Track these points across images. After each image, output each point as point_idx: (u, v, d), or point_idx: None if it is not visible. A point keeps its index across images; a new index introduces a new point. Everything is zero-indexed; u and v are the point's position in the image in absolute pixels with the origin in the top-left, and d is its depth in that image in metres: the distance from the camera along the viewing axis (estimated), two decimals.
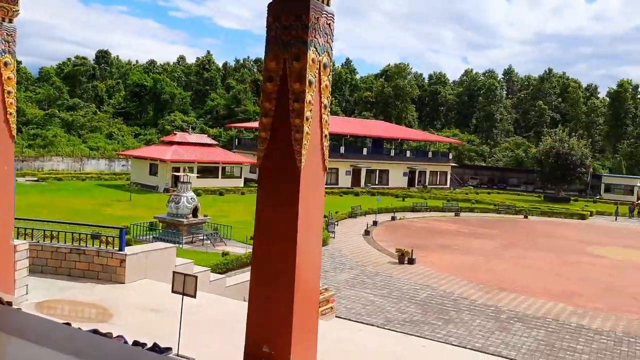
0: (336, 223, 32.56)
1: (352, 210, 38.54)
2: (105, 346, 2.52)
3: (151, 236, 25.23)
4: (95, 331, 4.09)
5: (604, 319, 17.16)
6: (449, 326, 15.71)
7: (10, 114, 7.18)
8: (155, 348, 4.65)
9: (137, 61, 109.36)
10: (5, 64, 6.89)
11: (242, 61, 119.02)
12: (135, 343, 4.56)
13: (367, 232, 30.97)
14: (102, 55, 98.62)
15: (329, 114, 5.47)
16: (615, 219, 48.47)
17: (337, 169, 58.43)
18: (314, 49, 5.05)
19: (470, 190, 67.79)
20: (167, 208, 25.92)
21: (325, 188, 42.97)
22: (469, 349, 12.69)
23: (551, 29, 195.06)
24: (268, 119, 5.20)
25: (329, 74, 5.36)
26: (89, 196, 39.34)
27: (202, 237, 25.75)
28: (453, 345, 12.89)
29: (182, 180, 27.06)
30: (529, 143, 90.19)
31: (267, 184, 5.29)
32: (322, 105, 5.32)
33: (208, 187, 46.63)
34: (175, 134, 53.12)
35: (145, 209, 34.36)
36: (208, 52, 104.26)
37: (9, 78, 7.07)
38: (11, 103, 7.18)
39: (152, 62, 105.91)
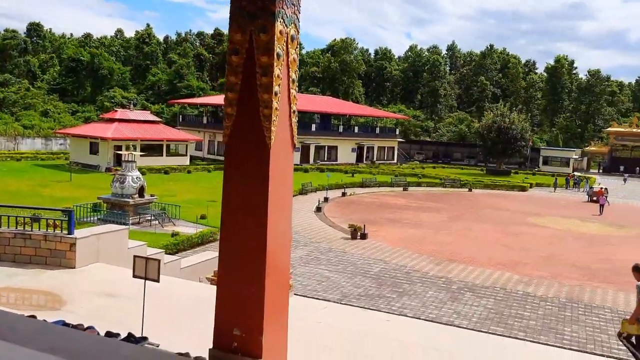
0: None
1: (303, 187, 38.48)
2: (81, 340, 2.30)
3: (95, 218, 24.30)
4: (64, 323, 3.81)
5: (547, 286, 18.00)
6: (403, 298, 16.03)
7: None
8: (131, 338, 4.41)
9: (71, 34, 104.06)
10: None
11: (184, 35, 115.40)
12: (109, 334, 4.30)
13: (318, 209, 31.04)
14: (34, 29, 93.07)
15: (297, 88, 5.28)
16: (554, 190, 50.82)
17: None
18: (282, 21, 4.82)
19: (417, 165, 69.19)
20: (112, 188, 24.99)
21: None
22: (431, 321, 12.99)
23: (491, 4, 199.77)
24: (234, 93, 4.95)
25: (297, 47, 5.15)
26: (25, 177, 37.39)
27: (149, 218, 25.03)
28: (414, 318, 13.16)
29: (126, 159, 26.07)
30: (472, 118, 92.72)
31: (234, 162, 5.07)
32: (290, 79, 5.11)
33: (152, 166, 45.30)
34: (116, 110, 51.07)
35: (87, 189, 33.04)
36: (148, 25, 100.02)
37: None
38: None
39: (88, 36, 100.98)
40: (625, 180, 63.23)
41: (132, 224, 23.89)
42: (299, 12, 5.13)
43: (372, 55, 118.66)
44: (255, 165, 4.92)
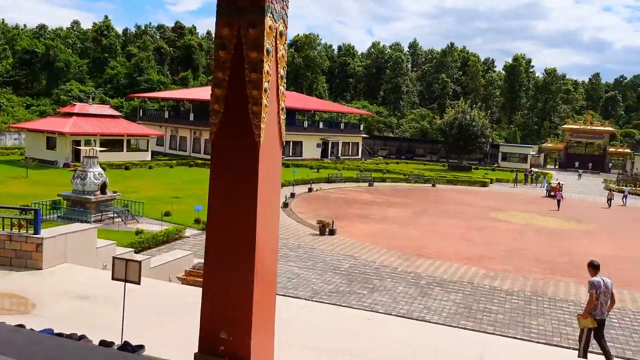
0: None
1: None
2: (86, 354, 2.15)
3: (55, 215, 23.50)
4: (59, 334, 3.58)
5: (513, 280, 18.42)
6: (374, 294, 16.11)
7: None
8: (127, 347, 4.21)
9: (25, 25, 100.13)
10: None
11: (143, 27, 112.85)
12: (102, 343, 4.09)
13: (285, 205, 30.90)
14: None
15: (285, 85, 5.16)
16: (515, 186, 52.16)
17: None
18: (271, 16, 4.69)
19: (380, 161, 69.79)
20: (72, 185, 24.20)
21: None
22: (415, 319, 13.09)
23: (450, 3, 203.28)
24: (221, 90, 4.79)
25: (285, 43, 5.03)
26: None
27: (112, 215, 24.40)
28: (397, 316, 13.24)
29: (86, 154, 25.27)
30: (433, 114, 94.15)
31: (221, 160, 4.91)
32: (279, 75, 4.99)
33: (113, 162, 44.08)
34: (74, 104, 49.48)
35: (45, 186, 31.92)
36: (106, 17, 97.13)
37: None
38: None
39: (42, 27, 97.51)
40: (580, 175, 65.47)
41: (94, 221, 23.20)
42: (287, 7, 5.01)
43: (336, 51, 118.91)
44: (244, 163, 4.79)
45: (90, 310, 6.71)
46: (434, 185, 47.12)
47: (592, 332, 9.55)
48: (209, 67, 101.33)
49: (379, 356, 5.77)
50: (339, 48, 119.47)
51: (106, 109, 50.39)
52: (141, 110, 67.50)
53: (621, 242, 26.80)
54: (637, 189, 53.75)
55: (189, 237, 22.35)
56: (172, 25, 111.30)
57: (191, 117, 59.14)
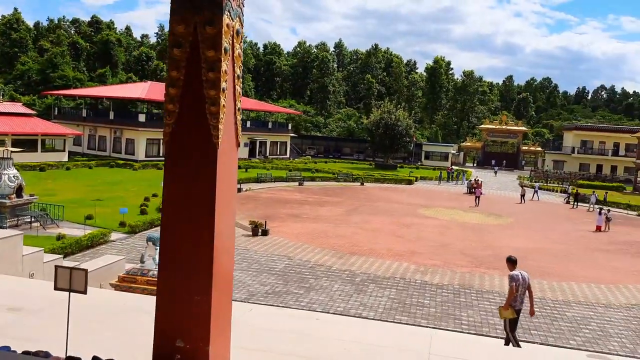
0: None
1: None
2: None
3: None
4: (26, 352, 3.24)
5: (442, 274, 19.14)
6: (310, 294, 16.18)
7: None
8: None
9: None
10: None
11: (57, 21, 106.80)
12: (70, 359, 3.79)
13: None
14: None
15: (241, 85, 5.06)
16: (439, 183, 54.23)
17: None
18: (228, 14, 4.57)
19: (309, 160, 70.19)
20: None
21: (162, 160, 41.03)
22: (365, 318, 13.21)
23: (371, 4, 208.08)
24: (176, 89, 4.62)
25: (241, 41, 4.92)
26: None
27: (29, 220, 22.94)
28: (342, 315, 13.33)
29: (0, 155, 23.56)
30: (359, 114, 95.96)
31: (177, 162, 4.73)
32: (236, 75, 4.88)
33: (26, 163, 41.34)
34: None
35: None
36: (16, 9, 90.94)
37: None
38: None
39: None
40: (495, 172, 69.18)
41: (10, 226, 21.67)
42: (243, 5, 4.92)
43: (261, 50, 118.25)
44: (201, 165, 4.64)
45: (25, 324, 6.24)
46: (362, 184, 48.02)
47: (516, 322, 10.23)
48: (128, 63, 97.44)
49: (332, 356, 5.80)
50: (265, 46, 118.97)
51: (18, 107, 47.25)
52: (56, 109, 63.82)
53: (536, 235, 28.58)
54: (548, 184, 57.57)
55: (114, 241, 21.43)
56: (89, 19, 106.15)
57: (111, 116, 56.65)
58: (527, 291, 10.23)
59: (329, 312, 14.24)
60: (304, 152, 78.81)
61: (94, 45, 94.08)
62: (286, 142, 72.55)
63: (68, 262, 11.72)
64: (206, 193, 4.63)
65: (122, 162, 49.43)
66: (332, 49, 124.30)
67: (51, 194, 30.76)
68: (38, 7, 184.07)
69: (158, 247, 10.81)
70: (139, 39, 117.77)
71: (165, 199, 4.78)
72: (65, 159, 47.64)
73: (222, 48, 4.53)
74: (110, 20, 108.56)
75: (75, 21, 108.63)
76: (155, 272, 10.35)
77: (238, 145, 5.20)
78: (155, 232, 14.94)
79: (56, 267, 5.03)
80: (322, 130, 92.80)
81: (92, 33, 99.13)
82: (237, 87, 4.98)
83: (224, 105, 4.65)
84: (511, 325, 10.13)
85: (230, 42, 4.69)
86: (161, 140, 46.43)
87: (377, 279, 18.17)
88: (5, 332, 5.82)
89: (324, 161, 70.42)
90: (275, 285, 16.88)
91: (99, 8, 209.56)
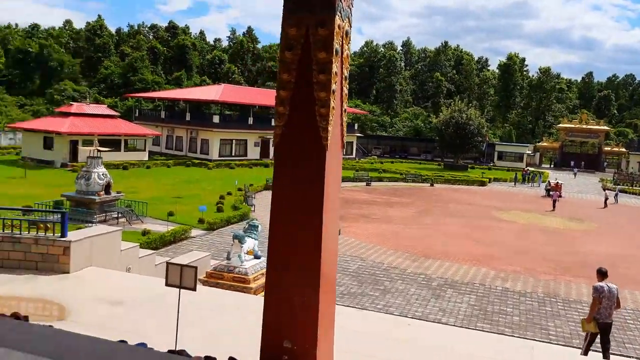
0: (253, 196, 31.96)
1: (268, 182, 38.01)
2: None
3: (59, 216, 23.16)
4: (122, 341, 3.40)
5: (524, 281, 18.38)
6: (386, 296, 16.00)
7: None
8: None
9: (16, 25, 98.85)
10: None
11: (136, 27, 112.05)
12: (208, 359, 3.92)
13: None
14: None
15: (347, 86, 5.03)
16: (515, 185, 52.32)
17: (246, 140, 57.38)
18: (339, 15, 4.56)
19: (375, 160, 69.72)
20: (76, 185, 23.91)
21: (234, 160, 41.98)
22: (452, 325, 12.98)
23: (439, 2, 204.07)
24: (286, 91, 4.66)
25: (350, 42, 4.89)
26: None
27: (116, 215, 24.14)
28: (429, 321, 13.13)
29: (91, 154, 24.99)
30: (427, 113, 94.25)
31: (286, 162, 4.77)
32: (344, 77, 4.86)
33: (110, 162, 43.53)
34: (72, 104, 48.97)
35: (44, 186, 31.51)
36: (99, 16, 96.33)
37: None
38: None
39: (35, 27, 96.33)
40: (575, 174, 65.80)
41: (99, 222, 22.93)
42: (352, 6, 4.88)
43: None
44: (310, 167, 4.65)
45: (128, 317, 6.52)
46: (432, 185, 47.12)
47: (597, 336, 9.56)
48: (202, 67, 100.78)
49: None
50: None
51: (103, 109, 49.93)
52: (137, 110, 66.98)
53: (625, 243, 26.88)
54: (634, 188, 54.11)
55: (194, 238, 22.16)
56: (166, 25, 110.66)
57: (187, 117, 58.76)
58: (614, 304, 9.57)
59: (407, 316, 14.03)
60: (369, 152, 78.36)
61: (171, 49, 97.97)
62: (352, 142, 72.35)
63: (160, 258, 12.18)
64: (315, 194, 4.63)
65: (198, 161, 51.15)
66: (399, 47, 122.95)
67: (134, 191, 32.20)
68: (119, 13, 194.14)
69: (243, 245, 11.04)
70: (211, 42, 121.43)
71: (273, 200, 4.82)
72: (146, 158, 49.83)
73: (334, 49, 4.51)
74: (186, 25, 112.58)
75: (153, 27, 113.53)
76: (241, 269, 10.57)
77: (343, 147, 5.17)
78: (239, 229, 15.27)
79: (167, 263, 5.20)
80: (388, 130, 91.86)
81: (169, 38, 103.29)
82: (345, 89, 4.96)
83: (333, 107, 4.63)
84: (592, 338, 9.52)
85: (340, 43, 4.67)
86: (233, 141, 47.20)
87: (454, 284, 17.71)
88: (109, 325, 6.11)
89: (390, 161, 69.71)
90: (350, 286, 16.83)
91: (174, 13, 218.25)
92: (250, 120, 59.05)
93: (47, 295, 7.23)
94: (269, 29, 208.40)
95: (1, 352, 2.48)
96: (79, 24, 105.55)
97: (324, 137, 4.58)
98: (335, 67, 4.57)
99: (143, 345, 4.16)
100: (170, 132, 59.82)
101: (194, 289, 5.12)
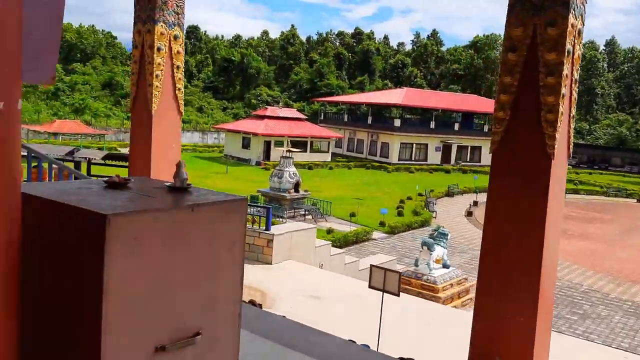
0: (434, 202, 31.48)
1: (449, 189, 37.18)
2: None
3: (255, 210, 25.40)
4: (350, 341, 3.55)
5: None
6: (586, 322, 14.47)
7: (179, 89, 6.94)
8: None
9: (222, 36, 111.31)
10: (175, 37, 6.60)
11: (325, 35, 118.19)
12: None
13: (469, 213, 29.68)
14: (192, 31, 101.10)
15: (576, 89, 4.59)
16: None
17: (427, 145, 56.78)
18: (573, 12, 4.16)
19: (570, 170, 63.65)
20: (270, 182, 25.98)
21: (414, 164, 41.43)
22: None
23: None
24: (508, 95, 4.38)
25: (581, 42, 4.45)
26: (189, 168, 40.38)
27: (303, 212, 25.65)
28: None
29: (284, 154, 26.98)
30: (634, 120, 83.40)
31: (505, 170, 4.50)
32: (574, 79, 4.43)
33: (297, 162, 46.50)
34: (267, 108, 53.59)
35: (241, 181, 34.87)
36: (292, 26, 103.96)
37: (178, 52, 6.63)
38: (180, 78, 6.91)
39: (237, 37, 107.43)
40: None
41: (288, 217, 24.62)
42: (586, 2, 4.43)
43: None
44: (532, 177, 4.31)
45: (326, 311, 6.83)
46: (638, 201, 41.49)
47: None
48: (384, 71, 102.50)
49: None
50: None
51: (294, 112, 53.64)
52: (322, 114, 70.65)
53: None
54: None
55: (376, 240, 22.54)
56: (352, 31, 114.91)
57: (369, 121, 60.22)
58: None
59: (611, 346, 12.49)
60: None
61: (355, 55, 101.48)
62: None
63: (354, 258, 12.60)
64: (536, 208, 4.28)
65: (377, 164, 52.12)
66: (602, 47, 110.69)
67: (318, 190, 33.94)
68: (310, 22, 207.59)
69: (432, 252, 10.87)
70: (395, 47, 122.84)
71: (488, 207, 4.58)
72: (329, 159, 52.29)
73: (565, 50, 4.14)
74: (371, 30, 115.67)
75: (340, 34, 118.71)
76: (430, 277, 10.41)
77: (569, 156, 4.73)
78: (422, 235, 15.13)
79: (371, 266, 5.30)
80: (585, 138, 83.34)
81: (355, 44, 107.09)
82: (574, 93, 4.53)
83: (562, 113, 4.25)
84: None
85: (572, 43, 4.27)
86: (414, 145, 46.96)
87: None
88: (309, 317, 6.43)
89: (587, 172, 63.11)
90: None
91: (359, 20, 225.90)
92: (432, 124, 58.32)
93: (255, 284, 7.94)
94: (453, 31, 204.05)
95: (245, 335, 2.70)
96: (275, 33, 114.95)
97: (550, 145, 4.22)
98: (566, 69, 4.18)
99: (366, 346, 4.28)
100: (352, 135, 61.91)
101: (398, 295, 5.13)
